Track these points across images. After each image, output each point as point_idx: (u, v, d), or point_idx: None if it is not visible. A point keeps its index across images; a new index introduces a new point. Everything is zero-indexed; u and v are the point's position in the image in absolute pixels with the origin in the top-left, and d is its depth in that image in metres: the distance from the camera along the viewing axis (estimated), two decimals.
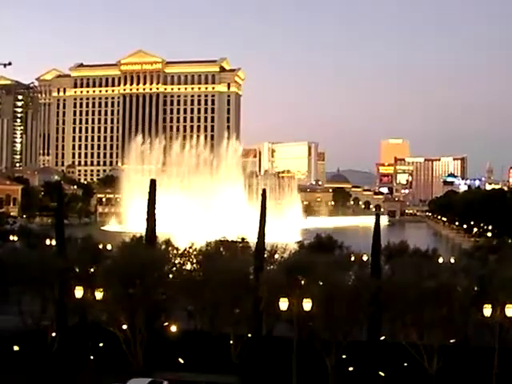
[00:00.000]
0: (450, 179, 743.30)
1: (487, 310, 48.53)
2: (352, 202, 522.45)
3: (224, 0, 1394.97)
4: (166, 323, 53.85)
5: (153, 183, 63.32)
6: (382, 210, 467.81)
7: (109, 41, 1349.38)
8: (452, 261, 77.31)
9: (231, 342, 52.51)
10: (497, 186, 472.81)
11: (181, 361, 52.15)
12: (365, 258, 66.89)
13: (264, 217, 59.54)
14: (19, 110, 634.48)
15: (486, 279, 51.03)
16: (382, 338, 53.16)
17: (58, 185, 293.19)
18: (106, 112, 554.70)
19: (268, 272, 54.76)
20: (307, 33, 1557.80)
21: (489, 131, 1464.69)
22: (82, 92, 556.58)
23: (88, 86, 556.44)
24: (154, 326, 53.27)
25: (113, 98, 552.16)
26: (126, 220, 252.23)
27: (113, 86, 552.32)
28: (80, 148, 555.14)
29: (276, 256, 61.53)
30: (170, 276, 54.91)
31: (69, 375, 50.27)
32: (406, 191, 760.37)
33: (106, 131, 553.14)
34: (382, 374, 49.84)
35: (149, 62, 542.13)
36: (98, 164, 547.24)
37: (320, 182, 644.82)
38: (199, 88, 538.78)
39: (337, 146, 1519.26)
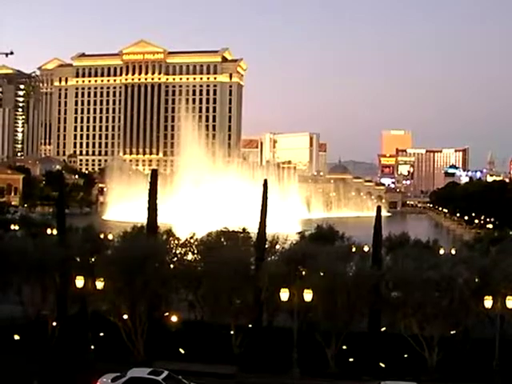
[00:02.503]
0: (451, 171, 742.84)
1: (488, 302, 48.52)
2: (353, 193, 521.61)
3: None
4: (167, 313, 53.84)
5: (154, 173, 63.27)
6: (383, 201, 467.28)
7: (111, 30, 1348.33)
8: (453, 252, 77.06)
9: (232, 332, 52.55)
10: (498, 178, 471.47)
11: (181, 351, 52.18)
12: (366, 248, 66.77)
13: (265, 207, 59.57)
14: (21, 99, 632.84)
15: (487, 271, 50.94)
16: (383, 329, 53.18)
17: (59, 174, 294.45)
18: (107, 102, 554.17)
19: (269, 262, 54.77)
20: (308, 23, 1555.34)
21: (491, 123, 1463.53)
22: (83, 81, 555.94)
23: (90, 75, 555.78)
24: (155, 316, 53.29)
25: (114, 87, 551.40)
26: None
27: (114, 75, 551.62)
28: (81, 138, 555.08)
29: (277, 246, 61.43)
30: (171, 266, 54.89)
31: (69, 365, 50.27)
32: (408, 182, 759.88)
33: (107, 121, 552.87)
34: (382, 365, 49.86)
35: (151, 52, 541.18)
36: (100, 154, 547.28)
37: (321, 173, 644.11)
38: (201, 78, 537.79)
39: (339, 137, 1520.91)
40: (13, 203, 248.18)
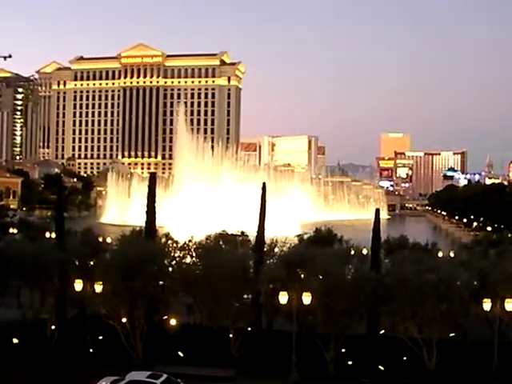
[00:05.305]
0: (449, 173, 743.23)
1: (487, 305, 48.51)
2: (352, 196, 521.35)
3: None
4: (166, 316, 53.81)
5: (152, 176, 63.30)
6: (381, 203, 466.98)
7: (109, 34, 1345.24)
8: (452, 255, 77.15)
9: (231, 335, 52.52)
10: (497, 181, 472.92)
11: (180, 354, 52.15)
12: (364, 251, 66.79)
13: (264, 210, 59.56)
14: (19, 102, 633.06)
15: (486, 273, 50.92)
16: (382, 331, 53.16)
17: (57, 178, 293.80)
18: (106, 105, 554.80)
19: (268, 265, 54.75)
20: (307, 26, 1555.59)
21: (489, 126, 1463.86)
22: (82, 85, 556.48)
23: (88, 78, 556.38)
24: (154, 320, 53.27)
25: (113, 91, 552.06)
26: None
27: (113, 79, 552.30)
28: (80, 141, 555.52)
29: (276, 249, 61.43)
30: (170, 269, 54.88)
31: (68, 368, 50.22)
32: (406, 185, 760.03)
33: (106, 124, 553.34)
34: (381, 367, 49.85)
35: (149, 55, 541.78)
36: (98, 157, 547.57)
37: (320, 176, 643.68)
38: (199, 81, 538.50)
39: (337, 139, 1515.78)
40: (11, 206, 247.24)
